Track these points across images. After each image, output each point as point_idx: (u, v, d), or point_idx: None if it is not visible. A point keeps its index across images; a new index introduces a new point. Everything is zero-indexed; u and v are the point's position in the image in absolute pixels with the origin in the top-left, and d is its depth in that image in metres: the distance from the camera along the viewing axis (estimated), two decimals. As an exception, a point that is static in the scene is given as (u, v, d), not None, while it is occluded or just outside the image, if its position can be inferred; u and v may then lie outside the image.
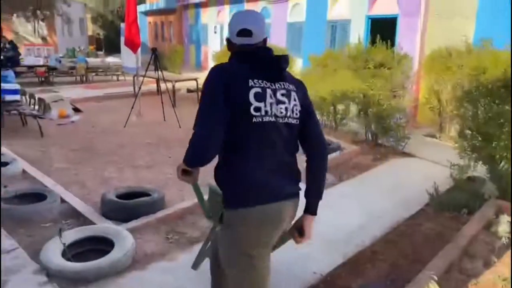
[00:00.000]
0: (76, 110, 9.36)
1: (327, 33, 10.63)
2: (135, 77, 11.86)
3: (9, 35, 23.13)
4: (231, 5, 16.19)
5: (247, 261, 1.79)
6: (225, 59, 1.91)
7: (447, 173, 4.95)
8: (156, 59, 8.04)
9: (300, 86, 1.90)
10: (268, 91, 1.75)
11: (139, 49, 12.50)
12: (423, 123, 7.81)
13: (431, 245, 3.59)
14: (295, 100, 1.82)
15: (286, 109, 1.78)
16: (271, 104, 1.74)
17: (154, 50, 8.16)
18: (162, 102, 8.53)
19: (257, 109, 1.71)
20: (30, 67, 13.07)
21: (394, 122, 6.26)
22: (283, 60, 1.84)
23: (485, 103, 4.57)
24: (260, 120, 1.72)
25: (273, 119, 1.74)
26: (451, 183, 4.89)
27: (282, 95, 1.79)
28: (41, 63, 13.24)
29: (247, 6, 14.76)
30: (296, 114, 1.82)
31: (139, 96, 8.80)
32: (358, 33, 9.29)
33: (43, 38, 23.44)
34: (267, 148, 1.76)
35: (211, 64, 17.32)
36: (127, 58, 14.10)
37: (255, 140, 1.73)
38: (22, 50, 16.57)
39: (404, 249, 3.54)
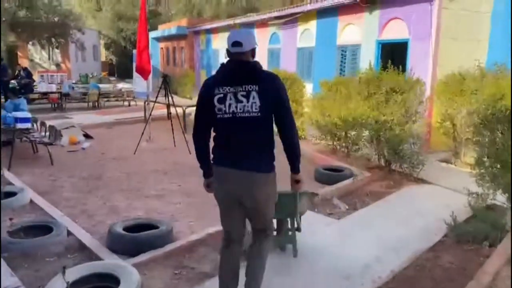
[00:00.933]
0: (87, 136, 9.40)
1: (337, 58, 10.61)
2: (146, 103, 11.99)
3: (24, 62, 23.69)
4: (242, 29, 16.33)
5: (216, 196, 2.75)
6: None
7: (464, 201, 4.77)
8: (167, 85, 8.06)
9: (266, 85, 2.50)
10: (229, 95, 2.49)
11: (151, 74, 12.66)
12: (436, 148, 7.64)
13: (452, 282, 3.40)
14: (253, 98, 2.46)
15: (244, 106, 2.47)
16: (229, 104, 2.48)
17: (164, 76, 8.19)
18: (172, 128, 8.52)
19: (219, 110, 2.51)
20: (44, 94, 13.27)
21: (408, 148, 6.11)
22: (243, 71, 2.51)
23: (503, 129, 4.44)
24: (221, 116, 2.51)
25: (230, 115, 2.48)
26: (470, 212, 4.71)
27: (242, 95, 2.47)
28: (54, 89, 13.44)
29: (258, 32, 14.90)
30: (256, 109, 2.47)
31: (149, 122, 8.83)
32: (368, 57, 9.26)
33: (57, 65, 23.89)
34: (228, 134, 2.55)
35: (221, 88, 17.41)
36: (139, 83, 14.28)
37: (221, 129, 2.57)
38: (36, 76, 16.88)
39: (424, 286, 3.36)
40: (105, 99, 14.70)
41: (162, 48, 29.57)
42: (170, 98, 8.16)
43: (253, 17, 14.21)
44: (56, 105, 13.73)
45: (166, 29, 26.11)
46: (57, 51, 24.37)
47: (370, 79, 6.39)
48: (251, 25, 15.19)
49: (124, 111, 13.87)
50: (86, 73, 18.79)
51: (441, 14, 7.62)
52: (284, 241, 3.79)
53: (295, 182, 2.74)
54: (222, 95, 2.49)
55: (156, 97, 8.67)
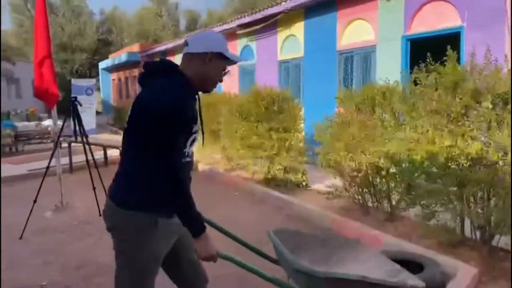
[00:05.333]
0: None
1: (339, 67, 7.67)
2: (69, 144, 8.64)
3: None
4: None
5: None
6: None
7: None
8: (75, 113, 4.76)
9: (153, 93, 1.79)
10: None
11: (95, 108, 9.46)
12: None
13: None
14: (133, 108, 1.82)
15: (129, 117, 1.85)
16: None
17: (73, 100, 4.91)
18: (93, 185, 5.17)
19: None
20: None
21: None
22: (145, 71, 1.89)
23: None
24: None
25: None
26: None
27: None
28: None
29: (222, 47, 11.91)
30: (129, 121, 1.83)
31: (59, 176, 5.51)
32: (389, 61, 6.36)
33: (-17, 103, 19.89)
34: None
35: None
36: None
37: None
38: None
39: None
40: (25, 142, 11.06)
41: (114, 79, 26.15)
42: (81, 133, 4.85)
43: (217, 28, 11.21)
44: (-48, 153, 9.99)
45: (116, 57, 22.81)
46: (-19, 86, 20.39)
47: (460, 80, 3.24)
48: (214, 39, 12.17)
49: (48, 156, 10.29)
50: (8, 110, 15.02)
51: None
52: None
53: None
54: None
55: (59, 134, 5.35)
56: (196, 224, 1.76)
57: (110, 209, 1.84)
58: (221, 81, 1.93)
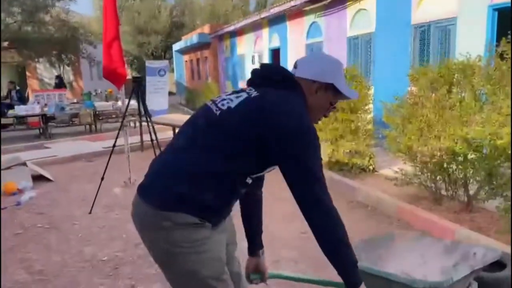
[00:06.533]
0: (42, 179, 6.31)
1: (413, 43, 7.08)
2: (140, 123, 9.03)
3: (34, 83, 21.50)
4: (270, 27, 13.11)
5: None
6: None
7: None
8: (139, 94, 4.85)
9: (276, 103, 1.49)
10: None
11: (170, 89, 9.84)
12: None
13: None
14: (238, 107, 1.50)
15: None
16: None
17: (136, 80, 4.99)
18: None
19: None
20: (20, 118, 10.42)
21: None
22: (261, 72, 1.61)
23: None
24: None
25: None
26: None
27: None
28: (37, 111, 10.60)
29: (290, 25, 11.59)
30: (223, 121, 1.52)
31: (127, 154, 5.74)
32: (472, 35, 5.71)
33: (69, 84, 21.52)
34: None
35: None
36: (153, 99, 11.29)
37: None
38: (31, 97, 14.30)
39: None
40: (103, 120, 11.74)
41: (186, 61, 26.90)
42: (145, 113, 4.95)
43: (284, 5, 10.92)
44: (41, 130, 10.91)
45: (188, 39, 23.36)
46: (68, 69, 22.03)
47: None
48: (281, 18, 11.90)
49: (123, 134, 10.87)
50: (89, 91, 16.06)
51: None
52: None
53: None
54: None
55: (124, 114, 5.50)
56: (354, 272, 1.39)
57: (143, 210, 1.50)
58: (326, 116, 1.61)
